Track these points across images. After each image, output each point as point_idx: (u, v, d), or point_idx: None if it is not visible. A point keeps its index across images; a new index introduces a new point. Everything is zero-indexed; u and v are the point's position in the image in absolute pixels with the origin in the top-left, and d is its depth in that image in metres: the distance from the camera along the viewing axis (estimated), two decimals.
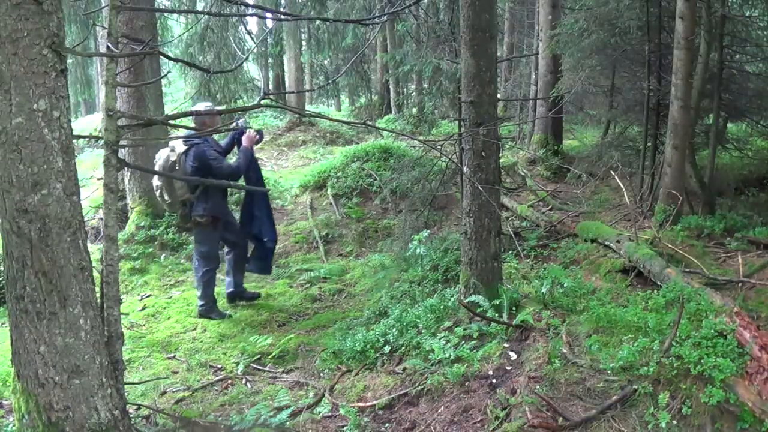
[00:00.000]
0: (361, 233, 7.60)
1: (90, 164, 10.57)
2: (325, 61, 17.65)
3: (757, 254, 5.25)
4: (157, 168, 5.29)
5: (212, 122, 5.13)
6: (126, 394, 2.99)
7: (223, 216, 5.35)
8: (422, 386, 3.54)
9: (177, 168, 5.15)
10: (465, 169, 4.11)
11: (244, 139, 5.34)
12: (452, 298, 4.43)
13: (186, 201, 5.28)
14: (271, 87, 16.95)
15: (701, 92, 6.77)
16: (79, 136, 3.26)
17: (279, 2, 13.69)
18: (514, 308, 4.04)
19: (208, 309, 5.33)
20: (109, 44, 2.79)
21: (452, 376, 3.45)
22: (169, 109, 10.66)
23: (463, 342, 3.81)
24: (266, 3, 11.94)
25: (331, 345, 4.47)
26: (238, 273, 5.66)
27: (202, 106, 5.25)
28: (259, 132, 5.59)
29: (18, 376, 2.70)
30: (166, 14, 11.82)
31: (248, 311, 5.55)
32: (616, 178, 6.89)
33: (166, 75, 8.67)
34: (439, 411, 3.30)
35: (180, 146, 5.15)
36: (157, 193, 5.37)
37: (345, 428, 3.36)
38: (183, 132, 5.16)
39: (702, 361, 2.91)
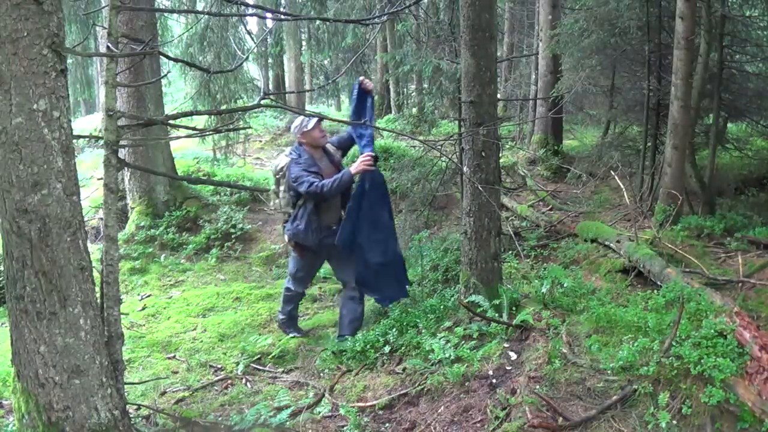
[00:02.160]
0: None
1: (90, 164, 10.58)
2: (325, 61, 17.66)
3: (757, 254, 5.25)
4: (271, 167, 4.79)
5: (308, 137, 4.45)
6: (126, 394, 2.99)
7: (308, 246, 4.52)
8: (422, 386, 3.54)
9: (280, 177, 4.57)
10: (465, 169, 4.11)
11: (355, 164, 4.33)
12: (452, 298, 4.43)
13: (288, 214, 4.64)
14: (271, 87, 16.96)
15: (701, 92, 6.77)
16: (79, 136, 3.26)
17: (279, 2, 13.69)
18: (514, 308, 4.04)
19: (284, 324, 4.95)
20: (109, 44, 2.79)
21: (452, 376, 3.45)
22: (169, 109, 10.66)
23: (463, 342, 3.81)
24: (266, 3, 11.94)
25: (331, 345, 4.47)
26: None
27: (301, 118, 4.53)
28: (374, 156, 4.37)
29: (18, 376, 2.70)
30: (166, 14, 11.82)
31: (248, 311, 5.56)
32: (616, 178, 6.89)
33: (166, 75, 8.65)
34: (439, 411, 3.30)
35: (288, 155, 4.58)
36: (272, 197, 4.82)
37: (345, 428, 3.36)
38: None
39: (702, 361, 2.91)
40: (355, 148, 4.84)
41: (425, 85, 12.54)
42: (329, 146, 4.64)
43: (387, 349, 4.07)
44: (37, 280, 2.56)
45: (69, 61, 3.43)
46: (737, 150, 8.38)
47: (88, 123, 14.32)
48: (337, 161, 4.62)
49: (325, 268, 6.59)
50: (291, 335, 4.85)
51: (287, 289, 4.89)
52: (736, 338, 3.10)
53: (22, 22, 2.41)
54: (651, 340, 3.18)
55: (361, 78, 4.61)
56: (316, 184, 4.26)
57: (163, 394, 4.00)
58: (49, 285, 2.57)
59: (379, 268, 4.52)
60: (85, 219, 3.55)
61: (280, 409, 3.56)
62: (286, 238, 4.65)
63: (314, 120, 4.44)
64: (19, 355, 2.67)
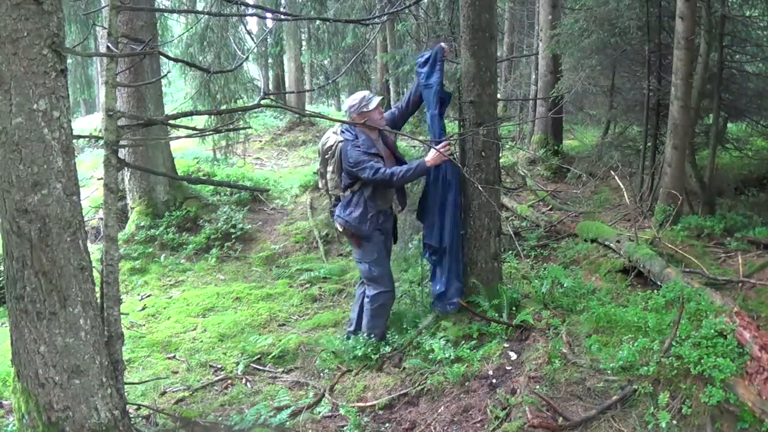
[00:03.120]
0: None
1: (90, 164, 10.58)
2: (325, 61, 17.64)
3: (757, 254, 5.25)
4: (319, 146, 4.28)
5: (366, 118, 4.00)
6: (126, 394, 3.00)
7: (365, 236, 4.07)
8: (422, 386, 3.54)
9: (328, 156, 4.13)
10: (465, 169, 4.10)
11: (431, 155, 3.91)
12: None
13: (338, 197, 4.20)
14: (271, 87, 16.95)
15: (701, 92, 6.77)
16: (79, 136, 3.27)
17: (279, 2, 13.69)
18: (514, 308, 4.04)
19: (382, 335, 4.23)
20: (109, 44, 2.79)
21: (452, 376, 3.45)
22: (169, 109, 10.66)
23: (463, 342, 3.81)
24: (266, 3, 11.94)
25: (331, 345, 4.47)
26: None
27: (360, 96, 4.07)
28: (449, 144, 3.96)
29: (18, 376, 2.70)
30: (166, 14, 11.82)
31: (248, 311, 5.55)
32: (616, 178, 6.89)
33: (166, 75, 8.65)
34: (439, 411, 3.30)
35: (339, 133, 4.12)
36: (318, 177, 4.42)
37: (345, 428, 3.37)
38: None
39: (702, 361, 2.91)
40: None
41: None
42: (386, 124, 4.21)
43: (387, 349, 4.07)
44: (37, 280, 2.56)
45: (69, 61, 3.44)
46: (737, 150, 8.38)
47: (88, 123, 14.32)
48: (391, 142, 4.24)
49: (326, 267, 6.62)
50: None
51: (375, 296, 4.15)
52: (736, 338, 3.10)
53: (22, 22, 2.41)
54: (651, 340, 3.19)
55: (444, 45, 4.18)
56: (383, 171, 3.84)
57: (163, 394, 4.00)
58: (49, 285, 2.57)
59: (457, 271, 4.16)
60: (85, 219, 3.55)
61: (280, 409, 3.57)
62: (338, 226, 4.19)
63: (376, 100, 4.03)
64: (19, 355, 2.67)
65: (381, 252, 4.16)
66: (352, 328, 4.44)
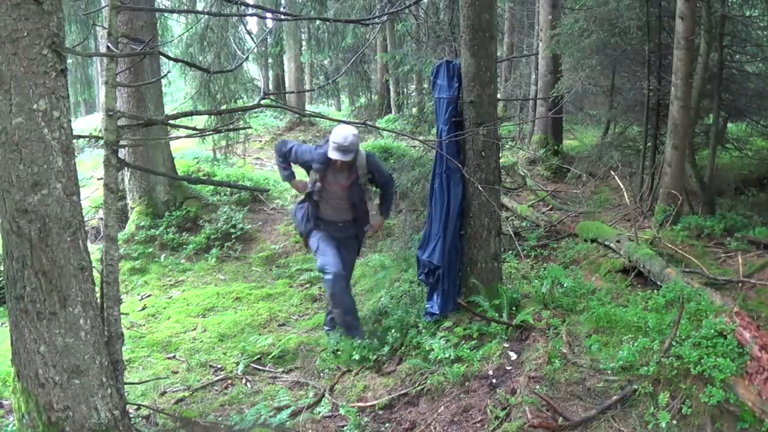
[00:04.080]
0: None
1: (90, 164, 10.58)
2: (325, 61, 17.67)
3: (757, 254, 5.25)
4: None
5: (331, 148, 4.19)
6: (126, 394, 2.99)
7: (310, 240, 4.47)
8: (422, 386, 3.54)
9: None
10: (465, 169, 4.10)
11: (299, 179, 4.55)
12: None
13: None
14: (271, 87, 16.97)
15: (701, 92, 6.77)
16: (79, 136, 3.26)
17: (279, 2, 13.70)
18: (514, 308, 4.04)
19: (349, 326, 4.40)
20: (109, 44, 2.78)
21: (452, 376, 3.45)
22: (169, 109, 10.66)
23: (463, 342, 3.81)
24: (266, 3, 11.95)
25: (331, 345, 4.46)
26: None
27: (344, 132, 4.20)
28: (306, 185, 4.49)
29: (18, 376, 2.70)
30: (166, 14, 11.82)
31: (248, 311, 5.55)
32: (616, 178, 6.89)
33: (166, 75, 8.66)
34: (439, 411, 3.30)
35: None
36: None
37: (345, 428, 3.37)
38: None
39: (702, 361, 2.91)
40: None
41: (425, 85, 12.54)
42: (363, 165, 4.36)
43: (387, 349, 4.07)
44: (37, 280, 2.56)
45: (69, 61, 3.44)
46: (737, 150, 8.38)
47: (88, 123, 14.34)
48: (352, 179, 4.33)
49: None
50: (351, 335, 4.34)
51: (324, 285, 4.47)
52: (736, 338, 3.10)
53: (22, 22, 2.41)
54: (651, 340, 3.19)
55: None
56: (282, 159, 4.49)
57: (163, 394, 4.00)
58: (49, 285, 2.57)
59: (454, 293, 4.26)
60: (85, 219, 3.55)
61: (280, 409, 3.56)
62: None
63: (341, 156, 4.14)
64: (19, 355, 2.67)
65: (323, 242, 4.41)
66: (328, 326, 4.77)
